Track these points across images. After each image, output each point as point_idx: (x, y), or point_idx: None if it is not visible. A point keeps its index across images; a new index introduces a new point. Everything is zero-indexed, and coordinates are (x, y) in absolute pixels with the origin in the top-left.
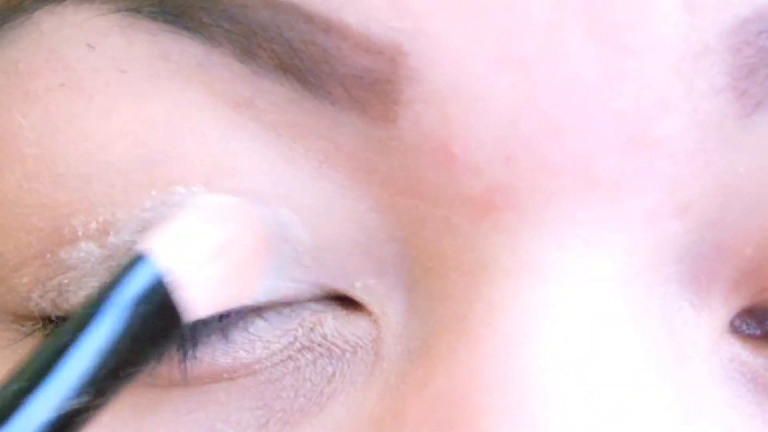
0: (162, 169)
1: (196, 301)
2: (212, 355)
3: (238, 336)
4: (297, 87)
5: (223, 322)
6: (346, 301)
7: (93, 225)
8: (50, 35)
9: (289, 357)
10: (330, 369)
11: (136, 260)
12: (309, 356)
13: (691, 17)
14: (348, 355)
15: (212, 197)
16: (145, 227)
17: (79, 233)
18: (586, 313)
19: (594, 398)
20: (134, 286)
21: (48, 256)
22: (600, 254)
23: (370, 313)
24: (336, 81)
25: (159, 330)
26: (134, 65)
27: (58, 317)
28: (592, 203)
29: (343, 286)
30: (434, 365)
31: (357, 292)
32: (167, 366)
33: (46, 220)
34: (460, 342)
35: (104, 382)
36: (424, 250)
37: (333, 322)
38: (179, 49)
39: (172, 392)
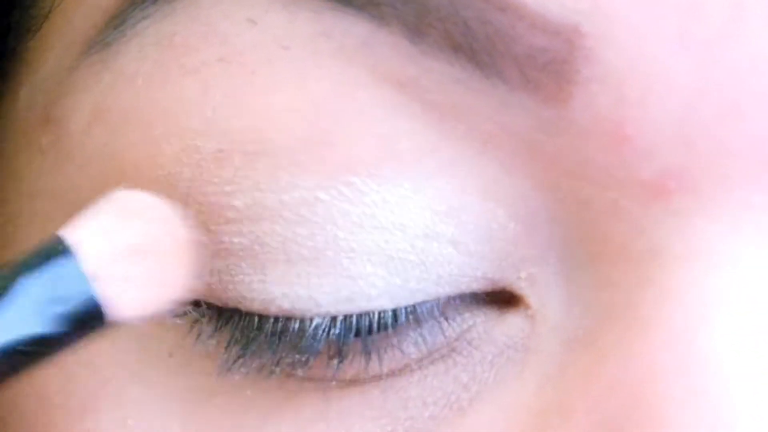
0: (328, 152)
1: (119, 299)
2: (357, 368)
3: (381, 348)
4: (467, 67)
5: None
6: (499, 300)
7: (257, 209)
8: (208, 9)
9: (419, 367)
10: (465, 377)
11: (56, 246)
12: (440, 367)
13: None
14: (490, 357)
15: (133, 193)
16: (314, 219)
17: (242, 215)
18: (762, 299)
19: None
20: (55, 273)
21: (207, 235)
22: None
23: (527, 307)
24: (510, 60)
25: (77, 323)
26: (296, 42)
27: (207, 304)
28: None
29: (508, 278)
30: (602, 355)
31: (521, 284)
32: (319, 368)
33: (206, 195)
34: (631, 330)
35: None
36: (588, 233)
37: (483, 325)
38: (343, 28)
39: (308, 394)
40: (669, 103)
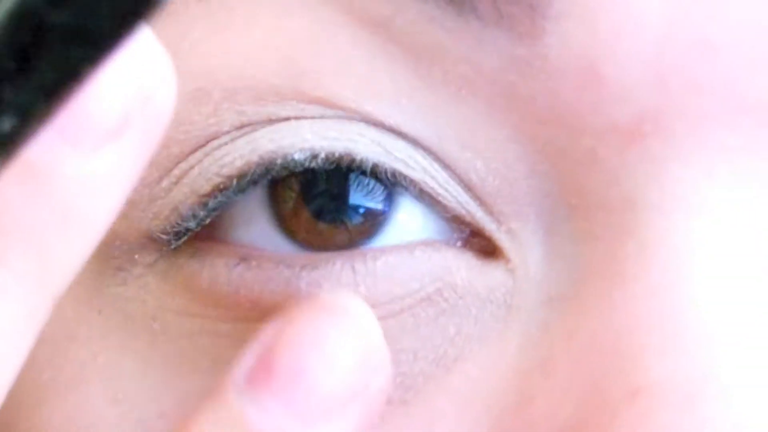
0: (309, 87)
1: None
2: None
3: (361, 267)
4: (440, 3)
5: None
6: (480, 250)
7: (247, 127)
8: None
9: (410, 307)
10: (452, 329)
11: None
12: (431, 312)
13: None
14: (474, 310)
15: None
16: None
17: (232, 136)
18: (739, 247)
19: (756, 332)
20: None
21: (197, 163)
22: (750, 184)
23: (508, 261)
24: None
25: None
26: None
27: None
28: (742, 128)
29: (488, 229)
30: (584, 311)
31: (501, 236)
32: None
33: (189, 131)
34: (612, 285)
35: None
36: (567, 185)
37: (466, 272)
38: None
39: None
40: (641, 40)
